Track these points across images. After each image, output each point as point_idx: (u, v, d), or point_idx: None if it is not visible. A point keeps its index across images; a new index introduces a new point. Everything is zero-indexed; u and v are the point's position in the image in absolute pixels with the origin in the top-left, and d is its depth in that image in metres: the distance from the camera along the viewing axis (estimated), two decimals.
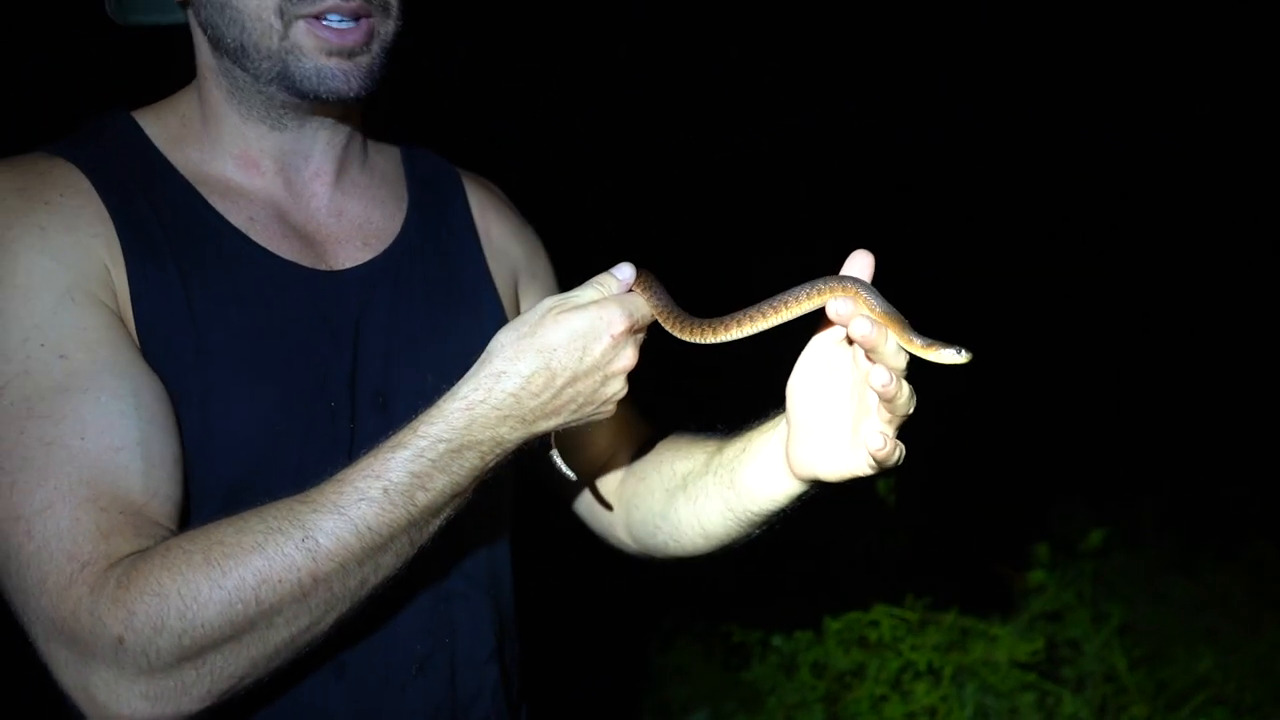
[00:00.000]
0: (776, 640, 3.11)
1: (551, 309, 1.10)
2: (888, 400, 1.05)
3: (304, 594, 1.02)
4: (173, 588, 0.98)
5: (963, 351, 1.05)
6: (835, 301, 1.05)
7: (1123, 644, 3.62)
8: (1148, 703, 3.44)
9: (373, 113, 1.37)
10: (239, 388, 1.14)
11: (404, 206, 1.37)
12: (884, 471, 1.13)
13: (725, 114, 5.50)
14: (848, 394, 1.13)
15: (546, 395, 1.09)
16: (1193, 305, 6.03)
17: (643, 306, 1.13)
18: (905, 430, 1.12)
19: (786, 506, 1.25)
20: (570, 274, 1.35)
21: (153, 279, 1.13)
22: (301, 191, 1.29)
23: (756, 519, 1.28)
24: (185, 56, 1.28)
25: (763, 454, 1.24)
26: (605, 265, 1.17)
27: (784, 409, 1.20)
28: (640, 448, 1.48)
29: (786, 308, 1.12)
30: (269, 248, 1.22)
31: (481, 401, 1.08)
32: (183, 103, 1.29)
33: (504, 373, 1.08)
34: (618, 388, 1.13)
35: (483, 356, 1.11)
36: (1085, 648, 3.62)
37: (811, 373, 1.15)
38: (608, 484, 1.48)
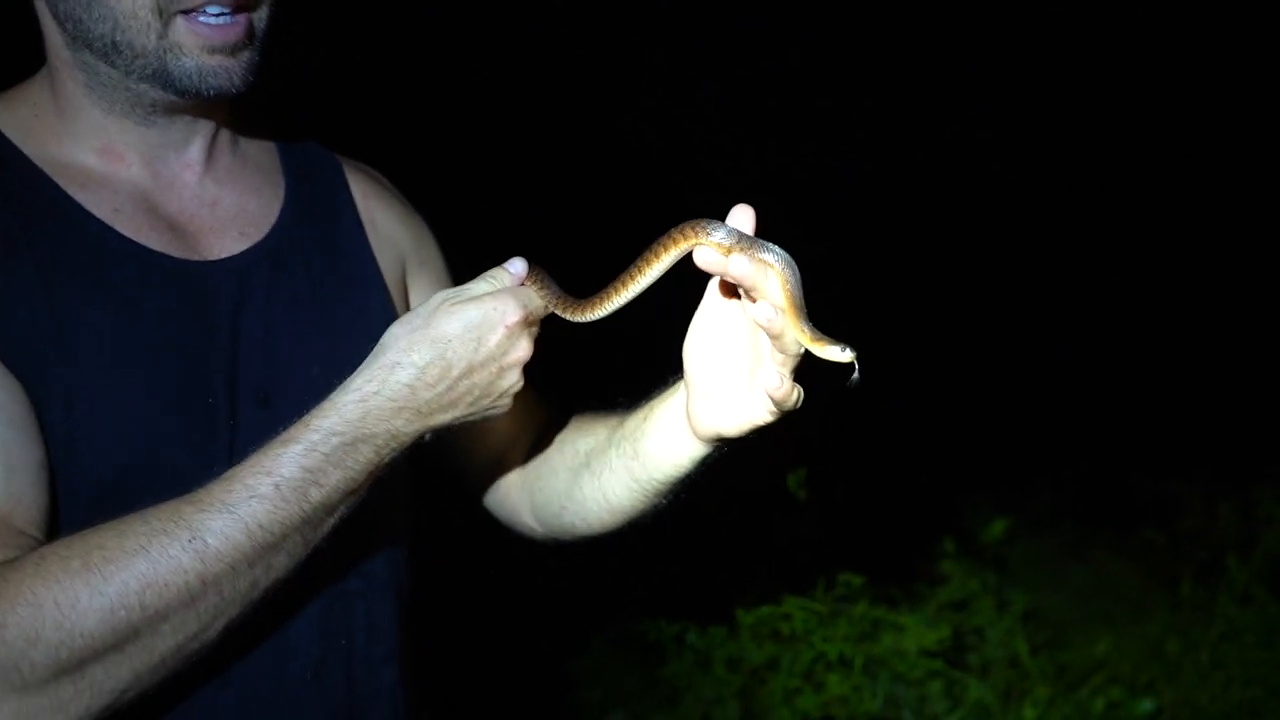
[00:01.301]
0: (691, 637, 3.12)
1: (445, 300, 1.09)
2: (776, 337, 1.05)
3: (192, 598, 0.98)
4: (48, 596, 0.93)
5: (847, 350, 1.05)
6: (700, 251, 1.05)
7: (1025, 630, 3.74)
8: (1049, 685, 3.56)
9: (243, 101, 1.32)
10: (105, 385, 1.09)
11: (281, 194, 1.32)
12: (784, 417, 1.13)
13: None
14: (742, 346, 1.13)
15: (442, 386, 1.07)
16: (1085, 303, 6.26)
17: (536, 299, 1.13)
18: (813, 417, 1.13)
19: (691, 471, 1.24)
20: (467, 264, 1.33)
21: (6, 273, 1.07)
22: (171, 181, 1.23)
23: (661, 487, 1.27)
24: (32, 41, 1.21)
25: (664, 419, 1.23)
26: (502, 257, 1.17)
27: (683, 375, 1.20)
28: (540, 431, 1.45)
29: (654, 259, 1.13)
30: (136, 239, 1.16)
31: (376, 393, 1.05)
32: (33, 91, 1.21)
33: (398, 364, 1.06)
34: (513, 379, 1.12)
35: (376, 349, 1.09)
36: (989, 635, 3.73)
37: (705, 330, 1.15)
38: (509, 469, 1.46)
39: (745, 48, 5.69)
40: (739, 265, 1.02)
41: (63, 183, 1.16)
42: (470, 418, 1.12)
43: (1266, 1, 5.98)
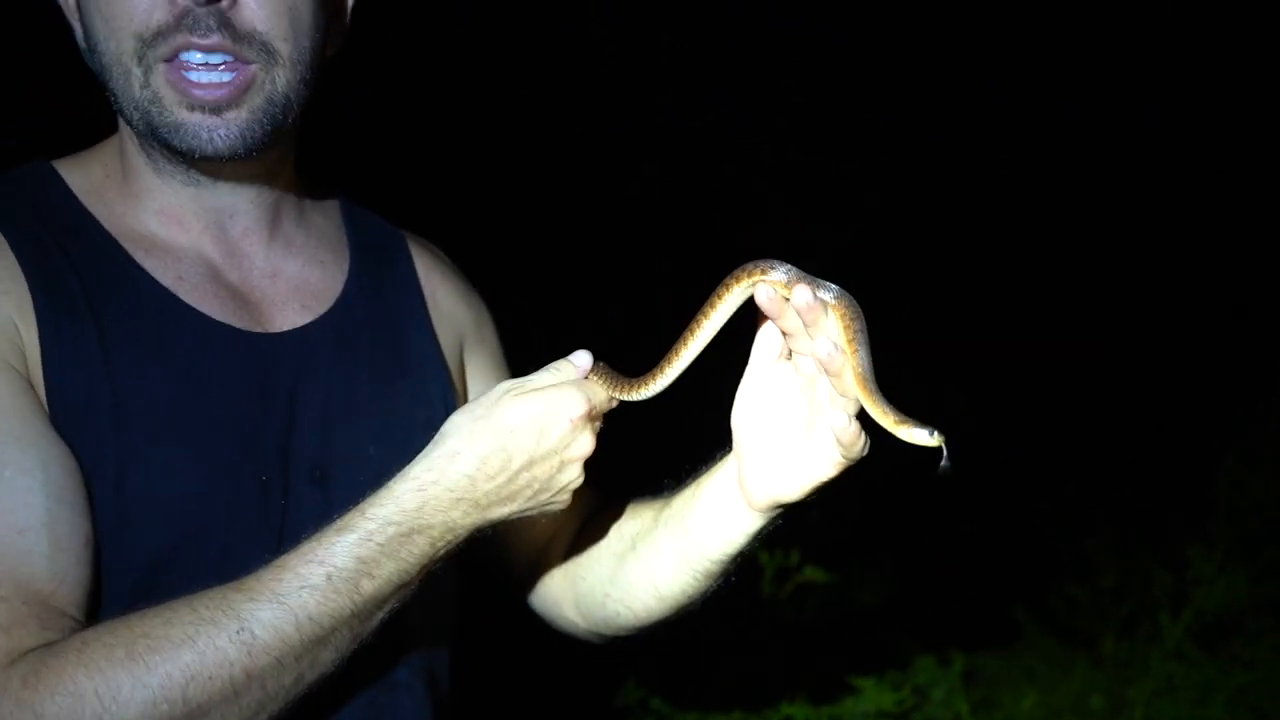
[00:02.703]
0: (655, 703, 3.02)
1: (508, 391, 1.07)
2: (835, 375, 1.03)
3: (236, 692, 0.93)
4: (89, 687, 0.88)
5: (935, 434, 1.05)
6: (760, 289, 1.05)
7: (964, 690, 3.78)
8: None
9: (307, 167, 1.28)
10: (159, 456, 1.04)
11: (345, 267, 1.29)
12: (849, 469, 1.11)
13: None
14: (794, 404, 1.12)
15: (502, 478, 1.04)
16: (1010, 352, 6.42)
17: (600, 392, 1.10)
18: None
19: (745, 547, 1.21)
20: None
21: (66, 339, 1.02)
22: (233, 250, 1.19)
23: (713, 567, 1.23)
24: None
25: (714, 494, 1.20)
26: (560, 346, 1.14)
27: (730, 448, 1.18)
28: (585, 520, 1.40)
29: (711, 309, 1.12)
30: (198, 307, 1.12)
31: (434, 482, 1.03)
32: (106, 153, 1.18)
33: (459, 453, 1.03)
34: (574, 474, 1.09)
35: (436, 437, 1.06)
36: (933, 694, 3.75)
37: (753, 394, 1.14)
38: (552, 561, 1.40)
39: (769, 49, 5.70)
40: (801, 295, 1.02)
41: (129, 247, 1.11)
42: (528, 512, 1.09)
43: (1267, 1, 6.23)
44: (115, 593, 1.03)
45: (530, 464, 1.05)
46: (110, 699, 0.89)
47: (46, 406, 1.02)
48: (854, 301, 1.06)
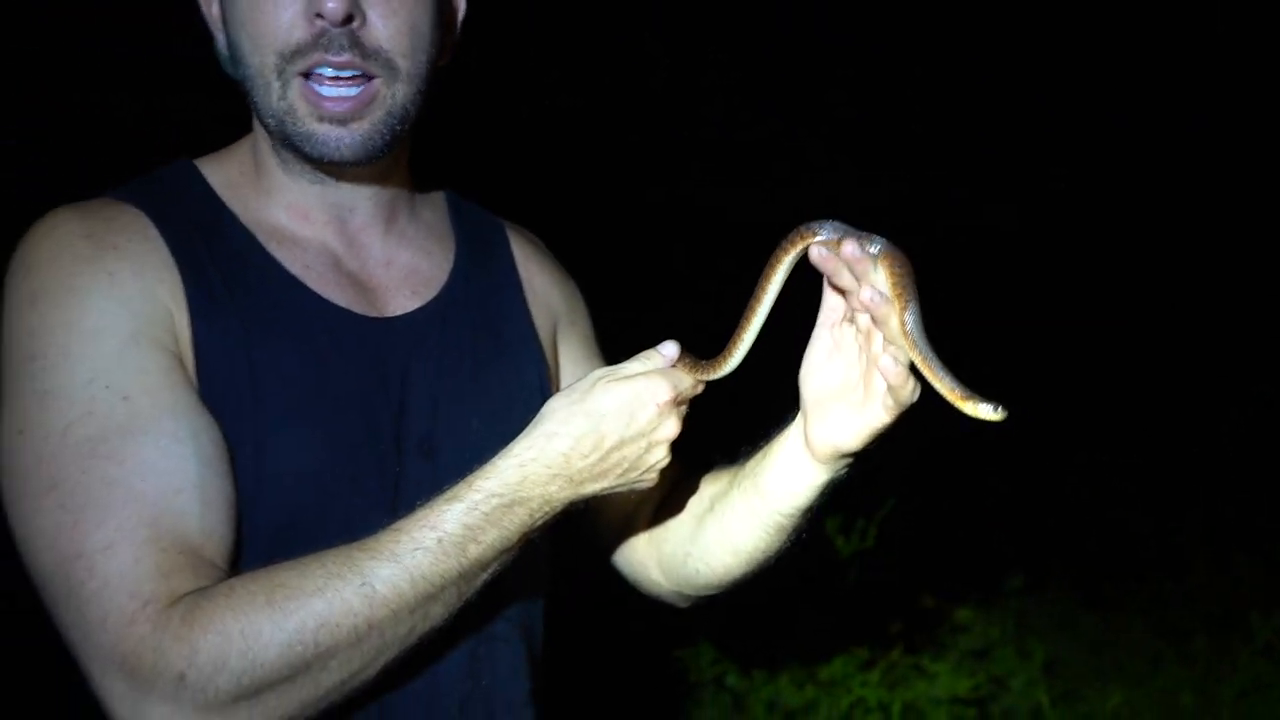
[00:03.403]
0: (731, 679, 3.11)
1: (602, 378, 1.15)
2: (882, 321, 1.10)
3: (358, 639, 1.04)
4: (236, 628, 0.99)
5: (999, 409, 1.08)
6: (814, 250, 1.15)
7: (1045, 681, 3.75)
8: None
9: (418, 162, 1.40)
10: (291, 433, 1.16)
11: (451, 256, 1.40)
12: (901, 417, 1.17)
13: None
14: (854, 359, 1.19)
15: (594, 457, 1.13)
16: (1103, 355, 6.33)
17: (685, 380, 1.18)
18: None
19: (811, 501, 1.28)
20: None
21: (214, 324, 1.14)
22: (353, 241, 1.31)
23: (784, 521, 1.30)
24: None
25: (783, 451, 1.28)
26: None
27: (798, 411, 1.25)
28: (670, 489, 1.49)
29: (768, 279, 1.21)
30: (324, 295, 1.24)
31: (534, 460, 1.11)
32: (240, 152, 1.30)
33: (556, 434, 1.12)
34: (661, 455, 1.17)
35: (536, 419, 1.15)
36: (1011, 684, 3.74)
37: (817, 355, 1.22)
38: (638, 526, 1.49)
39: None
40: (849, 249, 1.10)
41: (262, 239, 1.24)
42: (618, 488, 1.18)
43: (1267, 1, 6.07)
44: (252, 551, 1.13)
45: (620, 445, 1.13)
46: (253, 638, 0.99)
47: (196, 383, 1.12)
48: (901, 253, 1.12)
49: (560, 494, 1.13)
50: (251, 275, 1.20)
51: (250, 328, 1.16)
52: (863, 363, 1.18)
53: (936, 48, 6.13)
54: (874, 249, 1.12)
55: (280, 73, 1.16)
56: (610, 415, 1.12)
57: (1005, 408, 1.08)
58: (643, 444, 1.15)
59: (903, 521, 4.57)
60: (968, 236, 6.30)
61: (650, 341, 1.22)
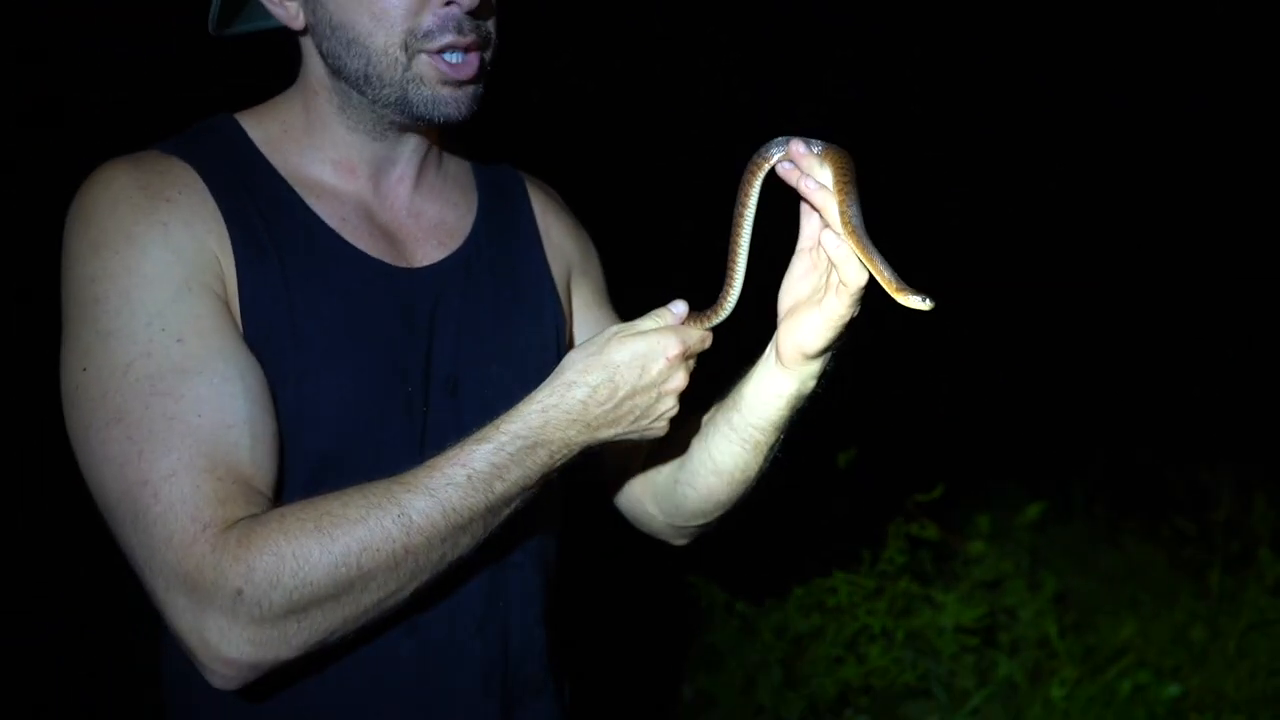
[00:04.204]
0: (740, 605, 3.25)
1: (617, 333, 1.24)
2: (821, 208, 1.21)
3: (396, 563, 1.14)
4: (288, 549, 1.09)
5: (927, 299, 1.18)
6: (778, 170, 1.25)
7: (1055, 612, 3.84)
8: (1076, 666, 3.66)
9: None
10: (328, 373, 1.25)
11: (474, 208, 1.49)
12: (854, 322, 1.26)
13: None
14: (822, 272, 1.28)
15: (609, 405, 1.22)
16: (1120, 295, 6.29)
17: (694, 335, 1.27)
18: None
19: (783, 413, 1.36)
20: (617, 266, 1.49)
21: (257, 272, 1.24)
22: (387, 194, 1.40)
23: (759, 436, 1.38)
24: (281, 62, 1.38)
25: (757, 366, 1.37)
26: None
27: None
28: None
29: (740, 228, 1.31)
30: (358, 246, 1.33)
31: (555, 406, 1.21)
32: (283, 109, 1.38)
33: (574, 383, 1.21)
34: (670, 404, 1.26)
35: (557, 369, 1.24)
36: (1021, 615, 3.82)
37: (793, 274, 1.31)
38: (634, 467, 1.58)
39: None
40: (795, 147, 1.24)
41: (301, 192, 1.33)
42: (630, 435, 1.27)
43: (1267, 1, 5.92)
44: (295, 480, 1.23)
45: (633, 394, 1.22)
46: (304, 559, 1.09)
47: (241, 326, 1.21)
48: (845, 152, 1.23)
49: (578, 438, 1.23)
50: (292, 226, 1.29)
51: (290, 275, 1.26)
52: (829, 272, 1.26)
53: (936, 28, 6.03)
54: (817, 148, 1.23)
55: (407, 48, 1.26)
56: (624, 366, 1.21)
57: (933, 299, 1.18)
58: (654, 394, 1.24)
59: (919, 454, 4.66)
60: (968, 215, 6.28)
61: (659, 303, 1.31)
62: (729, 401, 1.41)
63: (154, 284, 1.17)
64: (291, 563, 1.09)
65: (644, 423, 1.26)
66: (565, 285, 1.56)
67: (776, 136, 1.28)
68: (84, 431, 1.14)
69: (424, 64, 1.27)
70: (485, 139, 1.57)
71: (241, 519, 1.11)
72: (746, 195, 1.30)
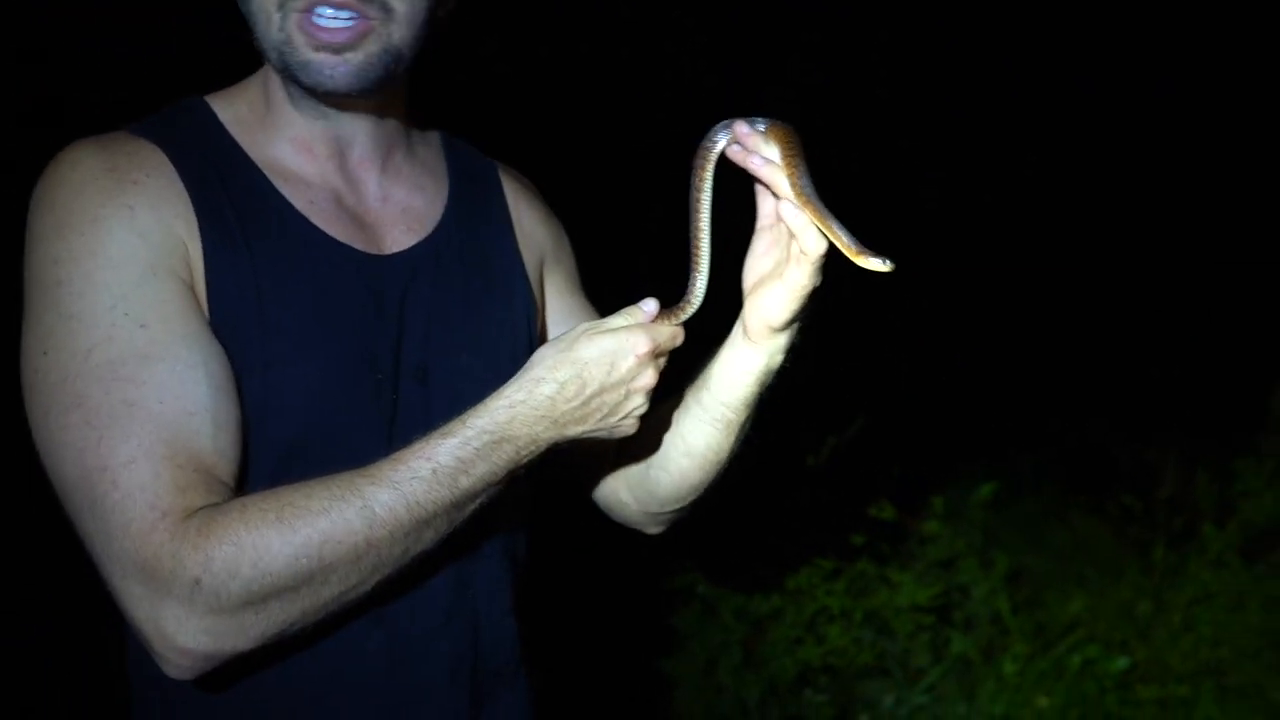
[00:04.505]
0: (701, 588, 3.27)
1: (586, 330, 1.23)
2: (772, 184, 1.22)
3: (357, 556, 1.13)
4: (248, 539, 1.08)
5: (887, 261, 1.19)
6: (731, 151, 1.25)
7: (1007, 589, 3.92)
8: (1028, 642, 3.74)
9: (417, 105, 1.44)
10: (296, 360, 1.23)
11: (445, 195, 1.46)
12: (817, 293, 1.26)
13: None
14: (784, 248, 1.28)
15: (577, 402, 1.21)
16: (1067, 276, 6.42)
17: (664, 333, 1.26)
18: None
19: (750, 390, 1.36)
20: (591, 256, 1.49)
21: (224, 256, 1.21)
22: (352, 177, 1.37)
23: (729, 415, 1.38)
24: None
25: (726, 345, 1.37)
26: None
27: None
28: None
29: (700, 220, 1.31)
30: (327, 231, 1.30)
31: (522, 402, 1.19)
32: (250, 89, 1.35)
33: (543, 379, 1.20)
34: (639, 402, 1.25)
35: (526, 365, 1.23)
36: (974, 593, 3.89)
37: (754, 252, 1.31)
38: (608, 457, 1.57)
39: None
40: (739, 128, 1.24)
41: (270, 175, 1.30)
42: (598, 432, 1.26)
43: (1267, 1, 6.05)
44: (258, 470, 1.21)
45: (601, 391, 1.21)
46: (264, 550, 1.07)
47: (207, 312, 1.19)
48: (789, 126, 1.24)
49: (545, 434, 1.22)
50: (261, 210, 1.27)
51: (258, 259, 1.24)
52: (790, 245, 1.27)
53: (903, 12, 6.07)
54: (761, 126, 1.24)
55: (280, 6, 1.22)
56: (593, 363, 1.20)
57: (892, 260, 1.19)
58: (622, 391, 1.23)
59: (875, 437, 4.72)
60: (938, 203, 6.35)
61: (631, 294, 1.30)
62: (699, 381, 1.41)
63: (118, 268, 1.15)
64: (251, 553, 1.08)
65: (612, 420, 1.25)
66: (537, 273, 1.55)
67: (721, 122, 1.28)
68: (43, 416, 1.12)
69: (293, 25, 1.22)
70: (452, 125, 1.54)
71: (202, 508, 1.10)
72: (700, 185, 1.30)
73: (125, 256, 1.15)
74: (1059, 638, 3.86)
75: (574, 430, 1.23)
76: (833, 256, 1.23)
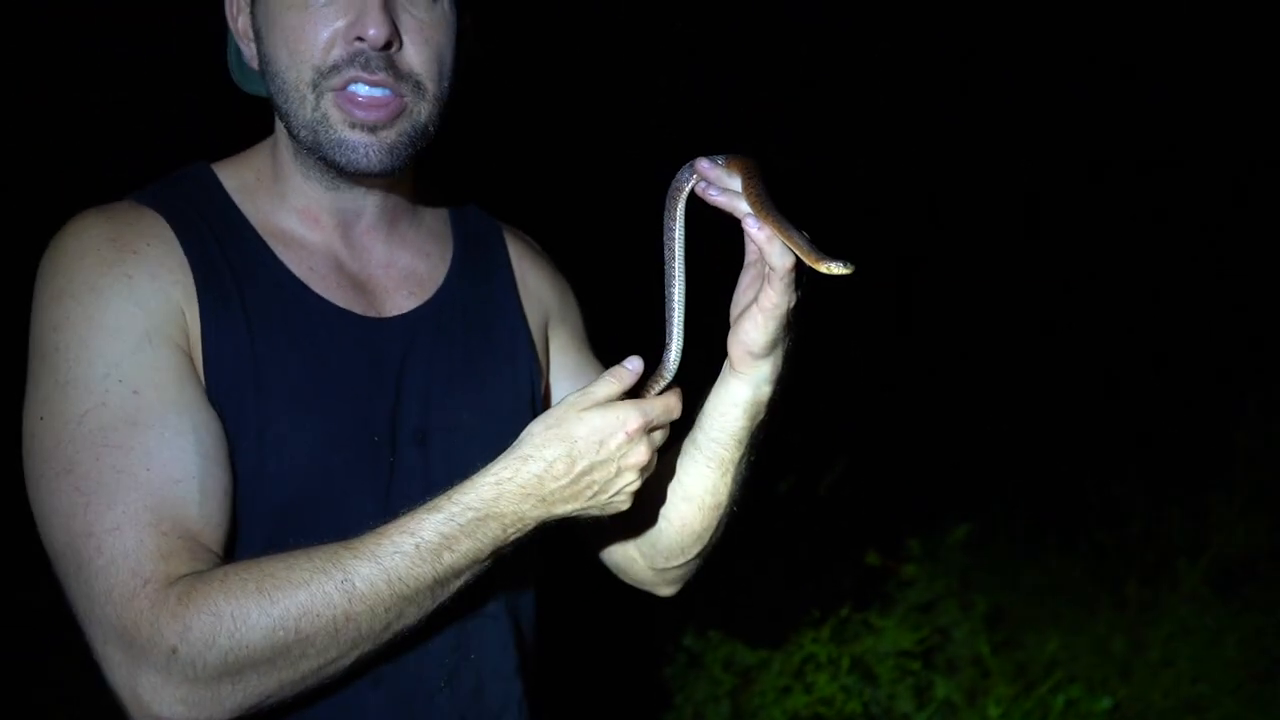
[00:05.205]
0: (687, 639, 3.23)
1: (574, 404, 1.22)
2: (734, 209, 1.22)
3: (336, 630, 1.12)
4: (227, 609, 1.08)
5: (848, 264, 1.17)
6: (699, 188, 1.24)
7: (986, 630, 3.92)
8: (1010, 683, 3.74)
9: (425, 174, 1.46)
10: (292, 422, 1.24)
11: (448, 257, 1.47)
12: (794, 315, 1.25)
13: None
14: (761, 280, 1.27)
15: (565, 480, 1.20)
16: (1043, 315, 6.52)
17: (657, 407, 1.25)
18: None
19: (740, 424, 1.33)
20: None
21: (222, 322, 1.23)
22: (356, 244, 1.38)
23: (722, 452, 1.36)
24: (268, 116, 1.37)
25: (716, 384, 1.35)
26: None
27: None
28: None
29: (674, 266, 1.30)
30: (325, 296, 1.32)
31: (510, 479, 1.19)
32: (257, 158, 1.37)
33: (530, 456, 1.20)
34: (630, 479, 1.24)
35: (515, 442, 1.22)
36: (955, 635, 3.89)
37: (740, 287, 1.30)
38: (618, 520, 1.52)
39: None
40: (701, 164, 1.24)
41: (270, 242, 1.32)
42: (589, 510, 1.25)
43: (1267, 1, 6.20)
44: (251, 534, 1.21)
45: (591, 469, 1.20)
46: (242, 621, 1.07)
47: (203, 377, 1.20)
48: (748, 156, 1.25)
49: (533, 512, 1.21)
50: (259, 276, 1.28)
51: (255, 325, 1.25)
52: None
53: (903, 21, 6.19)
54: (721, 160, 1.25)
55: (315, 86, 1.24)
56: (582, 441, 1.20)
57: (852, 263, 1.18)
58: (613, 469, 1.22)
59: (852, 483, 4.73)
60: (934, 208, 6.44)
61: (630, 323, 1.30)
62: (693, 428, 1.39)
63: (114, 335, 1.17)
64: (229, 623, 1.08)
65: (603, 498, 1.24)
66: (542, 333, 1.54)
67: (685, 165, 1.28)
68: (37, 479, 1.14)
69: (329, 103, 1.25)
70: (445, 174, 1.54)
71: (185, 575, 1.10)
72: (672, 229, 1.29)
73: (121, 325, 1.17)
74: (1040, 678, 3.86)
75: (563, 509, 1.22)
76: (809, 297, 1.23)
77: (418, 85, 1.27)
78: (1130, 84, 6.59)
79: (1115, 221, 6.75)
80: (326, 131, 1.25)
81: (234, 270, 1.26)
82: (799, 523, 3.88)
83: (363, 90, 1.23)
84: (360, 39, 1.22)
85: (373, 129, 1.25)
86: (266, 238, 1.32)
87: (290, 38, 1.24)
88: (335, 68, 1.23)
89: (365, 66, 1.23)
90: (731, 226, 1.25)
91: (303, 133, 1.26)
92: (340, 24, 1.23)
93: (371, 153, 1.25)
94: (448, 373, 1.38)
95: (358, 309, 1.33)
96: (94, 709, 1.19)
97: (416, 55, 1.26)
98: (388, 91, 1.24)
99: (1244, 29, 6.37)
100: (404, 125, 1.26)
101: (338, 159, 1.26)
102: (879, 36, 6.09)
